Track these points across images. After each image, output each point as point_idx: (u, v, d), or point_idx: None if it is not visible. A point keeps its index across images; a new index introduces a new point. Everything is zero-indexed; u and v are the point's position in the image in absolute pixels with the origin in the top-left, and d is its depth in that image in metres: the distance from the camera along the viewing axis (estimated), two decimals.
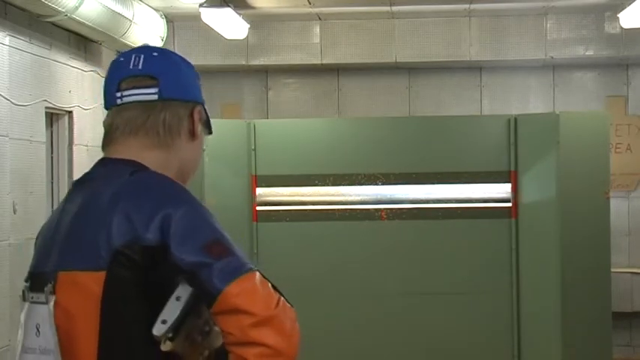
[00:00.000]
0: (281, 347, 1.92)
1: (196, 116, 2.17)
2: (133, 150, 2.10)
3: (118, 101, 2.12)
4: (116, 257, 1.94)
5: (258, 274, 1.96)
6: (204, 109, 2.22)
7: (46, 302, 1.99)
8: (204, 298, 1.94)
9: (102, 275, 1.95)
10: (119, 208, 1.97)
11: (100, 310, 1.95)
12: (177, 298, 1.94)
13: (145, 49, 2.18)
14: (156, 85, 2.11)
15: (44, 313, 2.00)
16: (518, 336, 7.39)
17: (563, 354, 7.10)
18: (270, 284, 1.97)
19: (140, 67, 2.13)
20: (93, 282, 1.96)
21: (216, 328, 2.02)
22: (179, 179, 2.14)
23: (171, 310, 1.93)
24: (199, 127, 2.18)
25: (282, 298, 1.97)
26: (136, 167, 2.06)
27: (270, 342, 1.91)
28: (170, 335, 1.92)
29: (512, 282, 7.40)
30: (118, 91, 2.12)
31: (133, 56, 2.14)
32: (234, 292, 1.91)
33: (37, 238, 2.20)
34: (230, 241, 1.98)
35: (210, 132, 2.24)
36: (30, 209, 6.83)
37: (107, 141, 2.14)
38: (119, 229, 1.95)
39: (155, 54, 2.17)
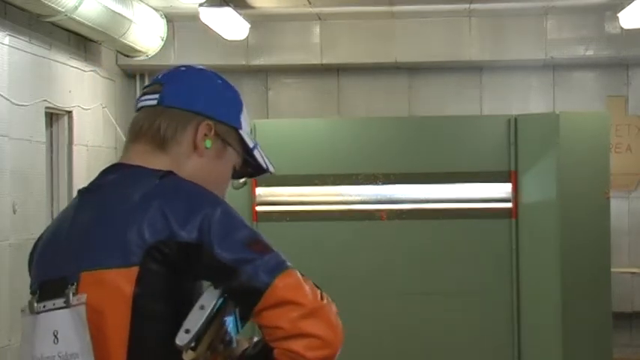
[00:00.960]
0: (330, 338, 1.93)
1: (201, 130, 2.13)
2: (139, 156, 2.11)
3: (136, 108, 2.19)
4: (150, 253, 1.94)
5: (297, 271, 1.98)
6: (242, 137, 2.18)
7: (67, 306, 1.96)
8: (246, 297, 1.93)
9: (134, 271, 1.94)
10: (153, 207, 1.97)
11: (132, 306, 1.94)
12: (202, 307, 1.93)
13: (183, 65, 2.24)
14: (159, 92, 2.13)
15: (64, 317, 1.96)
16: (518, 336, 7.39)
17: (564, 354, 7.09)
18: (311, 281, 1.99)
19: (160, 76, 2.18)
20: (123, 279, 1.94)
21: (238, 338, 2.02)
22: None
23: (195, 319, 1.92)
24: (205, 142, 2.14)
25: (324, 293, 1.99)
26: (162, 172, 2.06)
27: (320, 333, 1.92)
28: (193, 345, 1.91)
29: (512, 282, 7.39)
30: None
31: (168, 70, 2.22)
32: (281, 286, 1.92)
33: (34, 249, 2.16)
34: (267, 240, 2.00)
35: (252, 172, 2.25)
36: (30, 209, 6.83)
37: (124, 147, 2.19)
38: (154, 226, 1.95)
39: (183, 68, 2.22)
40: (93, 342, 1.94)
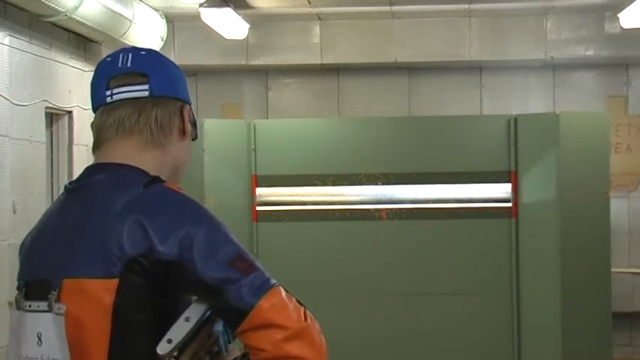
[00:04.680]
0: (314, 359, 1.92)
1: (186, 115, 2.14)
2: (128, 151, 2.07)
3: (108, 99, 2.08)
4: (130, 265, 1.92)
5: (282, 288, 1.96)
6: (192, 111, 2.20)
7: (50, 310, 1.96)
8: (230, 316, 1.93)
9: (114, 283, 1.93)
10: (132, 218, 1.94)
11: (112, 316, 1.93)
12: (187, 319, 1.92)
13: (132, 49, 2.16)
14: (146, 82, 2.08)
15: (47, 321, 1.96)
16: (519, 336, 7.39)
17: (564, 354, 7.10)
18: (294, 298, 1.97)
19: (129, 64, 2.10)
20: (104, 290, 1.93)
21: (230, 347, 2.01)
22: (172, 179, 2.12)
23: (179, 330, 1.91)
24: (189, 127, 2.15)
25: (307, 311, 1.97)
26: (147, 177, 2.03)
27: (305, 355, 1.91)
28: (175, 354, 1.91)
29: (512, 282, 7.40)
30: (107, 89, 2.08)
31: (121, 55, 2.12)
32: (265, 307, 1.91)
33: (22, 245, 2.15)
34: (251, 256, 1.97)
35: (195, 137, 2.21)
36: (30, 209, 6.82)
37: (100, 142, 2.11)
38: (133, 238, 1.93)
39: (143, 52, 2.14)
40: (73, 352, 1.94)
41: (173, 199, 2.01)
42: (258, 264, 1.96)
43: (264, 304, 1.91)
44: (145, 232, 1.93)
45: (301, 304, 1.97)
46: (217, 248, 1.94)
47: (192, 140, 2.20)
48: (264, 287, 1.92)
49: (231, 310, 1.92)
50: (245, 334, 1.92)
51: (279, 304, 1.92)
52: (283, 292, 1.95)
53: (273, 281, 1.95)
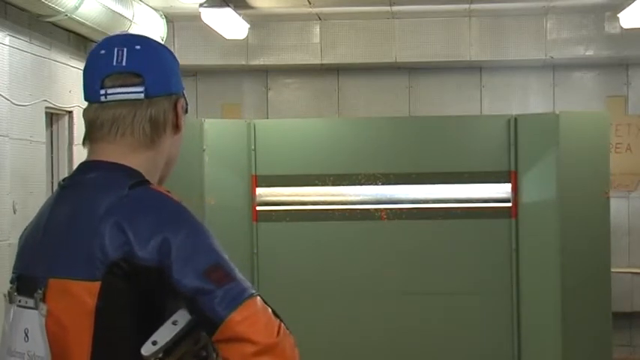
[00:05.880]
0: None
1: (179, 108, 2.11)
2: (122, 152, 2.05)
3: (102, 99, 2.06)
4: (112, 269, 1.91)
5: (259, 299, 1.94)
6: (184, 95, 2.16)
7: (36, 308, 1.97)
8: (204, 326, 1.93)
9: (96, 286, 1.92)
10: (113, 221, 1.93)
11: (95, 319, 1.92)
12: (174, 322, 1.92)
13: (127, 42, 2.10)
14: (141, 83, 2.05)
15: (34, 318, 1.97)
16: (518, 336, 7.39)
17: (563, 354, 7.09)
18: (270, 309, 1.96)
19: (124, 63, 2.06)
20: (86, 293, 1.93)
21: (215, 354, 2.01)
22: (165, 174, 2.12)
23: (165, 333, 1.91)
24: (182, 119, 2.13)
25: (282, 324, 1.96)
26: (135, 178, 2.01)
27: None
28: (160, 356, 1.91)
29: (512, 282, 7.39)
30: (102, 88, 2.06)
31: (116, 50, 2.07)
32: (237, 320, 1.90)
33: (21, 237, 2.16)
34: (230, 265, 1.95)
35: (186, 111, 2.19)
36: (30, 209, 6.82)
37: (92, 138, 2.08)
38: (114, 242, 1.92)
39: (138, 47, 2.09)
40: (55, 353, 1.94)
41: (156, 202, 1.99)
42: (237, 273, 1.94)
43: (237, 316, 1.89)
44: (125, 236, 1.92)
45: (277, 317, 1.95)
46: (194, 256, 1.92)
47: (184, 114, 2.17)
48: (238, 299, 1.91)
49: (204, 320, 1.91)
50: (218, 344, 1.93)
51: (251, 318, 1.90)
52: (259, 304, 1.93)
53: (250, 292, 1.93)
